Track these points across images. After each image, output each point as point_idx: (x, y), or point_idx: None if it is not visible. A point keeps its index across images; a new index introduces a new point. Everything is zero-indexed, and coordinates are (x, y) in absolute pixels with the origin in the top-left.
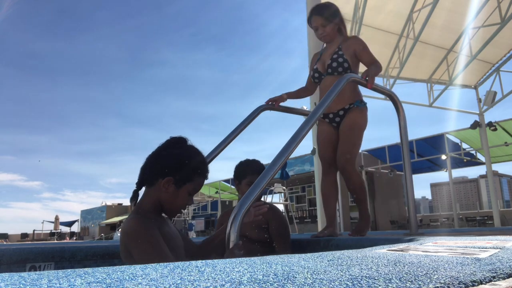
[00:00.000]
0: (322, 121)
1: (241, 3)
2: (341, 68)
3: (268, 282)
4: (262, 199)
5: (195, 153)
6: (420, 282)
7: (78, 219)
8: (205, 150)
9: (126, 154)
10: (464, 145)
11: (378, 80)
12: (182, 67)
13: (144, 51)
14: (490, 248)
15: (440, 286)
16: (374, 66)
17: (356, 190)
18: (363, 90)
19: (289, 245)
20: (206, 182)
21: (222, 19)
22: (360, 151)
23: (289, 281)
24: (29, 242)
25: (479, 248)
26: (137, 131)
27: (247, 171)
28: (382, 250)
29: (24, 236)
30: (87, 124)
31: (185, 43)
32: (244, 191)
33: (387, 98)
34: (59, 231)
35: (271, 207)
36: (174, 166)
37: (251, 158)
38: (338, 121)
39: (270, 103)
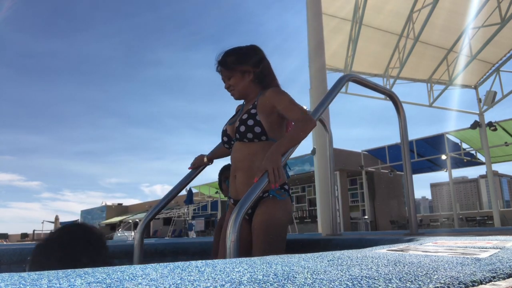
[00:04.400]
0: (232, 207)
1: (239, 3)
2: (251, 134)
3: (268, 282)
4: None
5: None
6: (420, 282)
7: (78, 219)
8: (205, 150)
9: (125, 154)
10: (464, 145)
11: (378, 80)
12: (180, 67)
13: (141, 51)
14: (490, 248)
15: (440, 286)
16: (293, 132)
17: None
18: (363, 90)
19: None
20: (206, 182)
21: (220, 19)
22: (360, 151)
23: (289, 281)
24: (29, 242)
25: (479, 248)
26: (136, 131)
27: (224, 169)
28: (382, 250)
29: (24, 236)
30: (86, 124)
31: (182, 43)
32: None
33: (387, 98)
34: None
35: None
36: None
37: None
38: (250, 214)
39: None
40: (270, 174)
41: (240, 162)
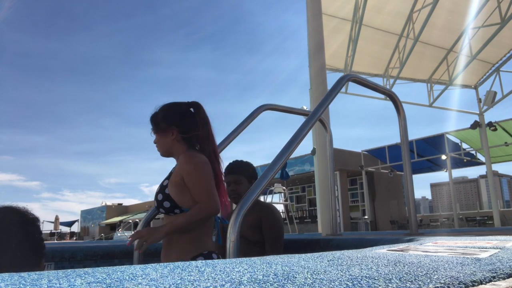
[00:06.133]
0: None
1: (238, 2)
2: (163, 210)
3: (268, 282)
4: (262, 199)
5: None
6: (420, 282)
7: (78, 219)
8: None
9: (124, 154)
10: (464, 145)
11: (378, 80)
12: (179, 67)
13: (140, 51)
14: (490, 248)
15: (440, 286)
16: (186, 216)
17: None
18: (363, 90)
19: (279, 246)
20: None
21: (219, 19)
22: (360, 151)
23: (289, 281)
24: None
25: (479, 248)
26: (135, 130)
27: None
28: (382, 250)
29: None
30: (85, 124)
31: (181, 43)
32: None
33: (387, 98)
34: (59, 231)
35: (265, 206)
36: None
37: (249, 158)
38: None
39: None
40: (139, 242)
41: (163, 241)
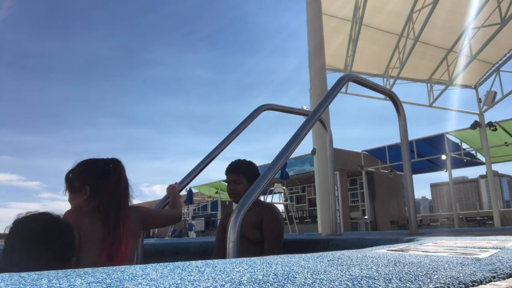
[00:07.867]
0: None
1: (238, 2)
2: None
3: (268, 282)
4: (262, 199)
5: None
6: (420, 282)
7: None
8: (203, 149)
9: (124, 154)
10: (464, 145)
11: (378, 80)
12: (178, 67)
13: (139, 51)
14: (490, 248)
15: (440, 286)
16: None
17: None
18: (363, 90)
19: (279, 245)
20: (206, 182)
21: (219, 19)
22: (360, 151)
23: (289, 281)
24: None
25: (479, 248)
26: (134, 130)
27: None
28: (382, 250)
29: None
30: (84, 124)
31: (181, 43)
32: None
33: (387, 98)
34: None
35: (266, 205)
36: None
37: (249, 158)
38: None
39: None
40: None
41: None
